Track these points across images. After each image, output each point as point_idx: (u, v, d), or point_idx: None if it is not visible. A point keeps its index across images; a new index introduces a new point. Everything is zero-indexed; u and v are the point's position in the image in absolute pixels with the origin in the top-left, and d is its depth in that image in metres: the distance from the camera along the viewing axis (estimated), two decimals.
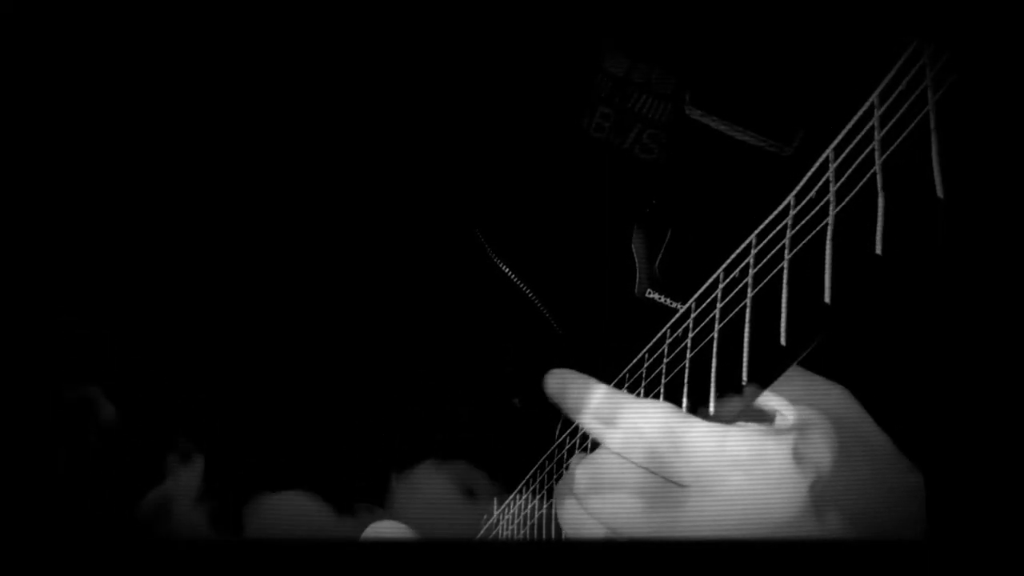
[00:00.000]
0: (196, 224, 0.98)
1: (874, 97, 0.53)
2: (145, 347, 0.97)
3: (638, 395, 0.72)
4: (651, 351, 0.72)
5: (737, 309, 0.61)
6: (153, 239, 0.98)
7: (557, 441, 0.82)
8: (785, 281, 0.57)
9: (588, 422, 0.68)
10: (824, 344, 0.57)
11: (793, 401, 0.66)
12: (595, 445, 0.72)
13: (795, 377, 0.64)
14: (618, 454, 0.66)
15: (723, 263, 0.66)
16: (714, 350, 0.63)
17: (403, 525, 0.92)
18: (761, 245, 0.61)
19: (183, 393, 0.95)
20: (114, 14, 0.92)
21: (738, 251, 0.64)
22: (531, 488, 0.85)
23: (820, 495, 0.62)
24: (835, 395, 0.66)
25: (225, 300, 0.98)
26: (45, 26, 0.90)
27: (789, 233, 0.58)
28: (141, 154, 0.97)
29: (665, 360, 0.69)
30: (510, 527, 0.88)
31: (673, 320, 0.69)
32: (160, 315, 0.97)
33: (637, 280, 0.81)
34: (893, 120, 0.51)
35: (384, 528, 0.92)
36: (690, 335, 0.66)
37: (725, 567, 0.65)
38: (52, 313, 0.96)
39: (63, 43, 0.90)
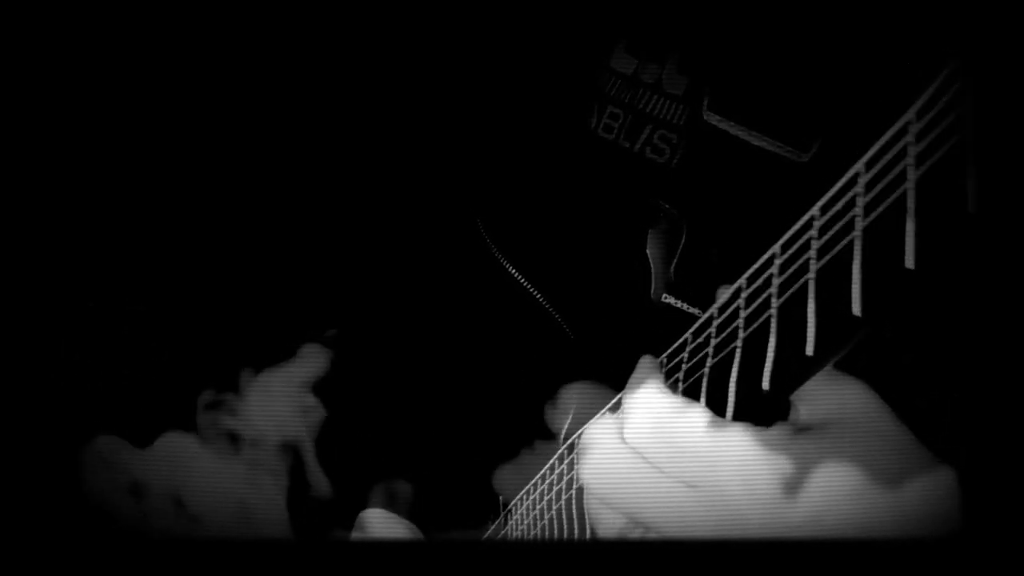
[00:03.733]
0: (200, 222, 0.97)
1: (911, 113, 0.53)
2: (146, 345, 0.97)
3: None
4: (671, 356, 0.72)
5: (762, 319, 0.61)
6: (157, 235, 0.97)
7: (566, 444, 0.82)
8: (812, 292, 0.58)
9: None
10: (849, 355, 0.58)
11: (809, 398, 0.65)
12: None
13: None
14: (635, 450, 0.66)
15: (743, 269, 0.66)
16: (736, 358, 0.63)
17: (394, 515, 0.92)
18: (786, 256, 0.62)
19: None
20: (114, 13, 0.92)
21: (762, 260, 0.64)
22: (539, 489, 0.86)
23: (831, 497, 0.62)
24: (853, 391, 0.66)
25: (229, 299, 0.98)
26: (46, 25, 0.90)
27: (815, 245, 0.59)
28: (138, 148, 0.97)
29: (685, 366, 0.69)
30: (519, 528, 0.89)
31: (695, 327, 0.70)
32: (161, 317, 0.97)
33: (653, 284, 0.82)
34: (929, 138, 0.52)
35: (375, 517, 0.92)
36: (712, 342, 0.66)
37: (735, 566, 0.65)
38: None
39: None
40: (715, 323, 0.66)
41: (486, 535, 0.93)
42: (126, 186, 0.97)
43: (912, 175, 0.52)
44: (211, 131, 0.96)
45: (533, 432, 0.87)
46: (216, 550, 0.72)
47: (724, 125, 0.81)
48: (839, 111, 0.78)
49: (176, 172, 0.97)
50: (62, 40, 0.91)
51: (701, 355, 0.67)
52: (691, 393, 0.68)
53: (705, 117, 0.82)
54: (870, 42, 0.76)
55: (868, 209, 0.56)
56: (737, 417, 0.64)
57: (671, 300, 0.81)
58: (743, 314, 0.63)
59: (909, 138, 0.53)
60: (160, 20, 0.93)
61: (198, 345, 0.97)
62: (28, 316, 0.95)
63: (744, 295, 0.64)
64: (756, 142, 0.81)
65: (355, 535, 0.95)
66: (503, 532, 0.91)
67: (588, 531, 0.78)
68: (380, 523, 0.94)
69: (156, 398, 0.96)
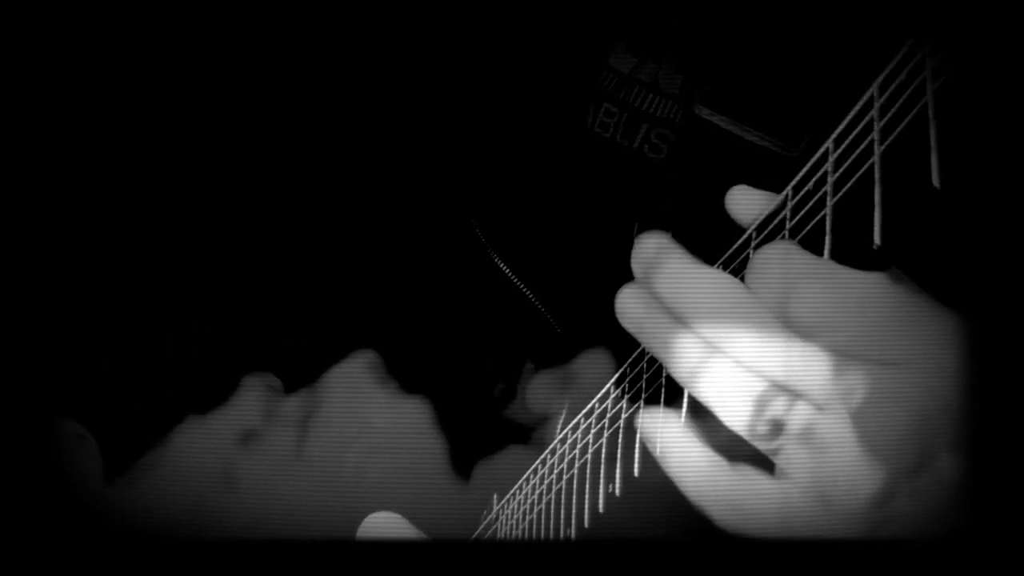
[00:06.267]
0: (194, 223, 0.98)
1: (874, 87, 0.53)
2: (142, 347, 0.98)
3: (637, 392, 0.72)
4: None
5: None
6: (151, 237, 0.99)
7: (558, 437, 0.82)
8: None
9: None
10: None
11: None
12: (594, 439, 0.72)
13: None
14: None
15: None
16: None
17: (399, 516, 0.92)
18: (760, 238, 0.61)
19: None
20: (114, 14, 0.94)
21: (737, 243, 0.64)
22: (531, 484, 0.85)
23: None
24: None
25: (221, 297, 0.99)
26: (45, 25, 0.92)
27: (788, 225, 0.58)
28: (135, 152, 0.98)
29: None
30: (508, 524, 0.88)
31: None
32: (161, 316, 0.98)
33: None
34: (893, 110, 0.51)
35: (380, 520, 0.92)
36: None
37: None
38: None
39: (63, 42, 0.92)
40: None
41: (479, 531, 0.93)
42: (127, 187, 0.99)
43: (877, 150, 0.52)
44: (205, 133, 0.97)
45: (523, 427, 0.86)
46: (217, 550, 0.72)
47: (714, 119, 0.81)
48: (828, 104, 0.77)
49: (173, 174, 0.98)
50: (58, 40, 0.93)
51: None
52: (675, 384, 0.67)
53: (696, 111, 0.82)
54: (856, 36, 0.76)
55: (837, 186, 0.55)
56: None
57: None
58: None
59: (873, 112, 0.52)
60: (154, 20, 0.95)
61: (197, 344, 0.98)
62: (28, 316, 0.96)
63: None
64: (746, 136, 0.80)
65: (359, 536, 0.95)
66: (494, 528, 0.91)
67: (575, 527, 0.78)
68: (386, 526, 0.94)
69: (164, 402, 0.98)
